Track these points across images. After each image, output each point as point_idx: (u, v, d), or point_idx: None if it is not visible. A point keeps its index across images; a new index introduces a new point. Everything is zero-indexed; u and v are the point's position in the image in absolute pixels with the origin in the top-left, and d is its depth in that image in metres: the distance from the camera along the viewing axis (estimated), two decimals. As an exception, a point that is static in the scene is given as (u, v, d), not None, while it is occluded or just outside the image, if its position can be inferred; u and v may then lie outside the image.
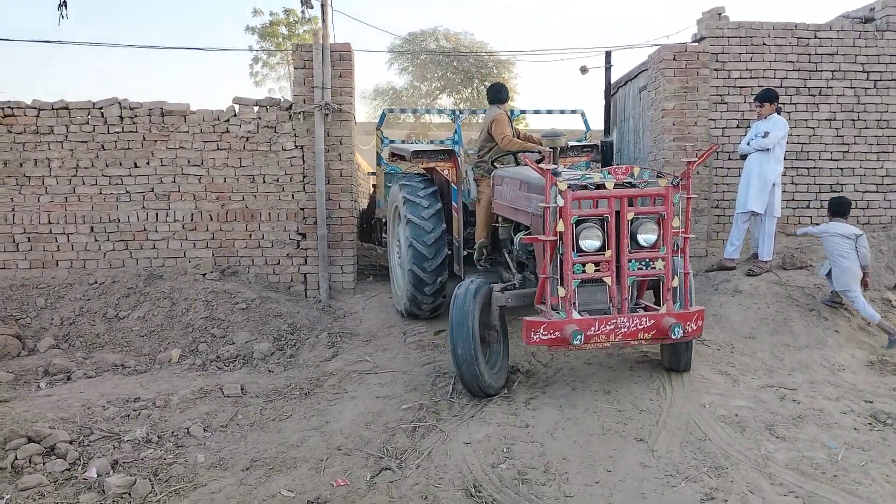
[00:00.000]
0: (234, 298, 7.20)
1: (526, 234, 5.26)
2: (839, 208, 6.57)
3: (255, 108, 7.88)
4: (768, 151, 6.96)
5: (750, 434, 4.43)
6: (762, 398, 4.95)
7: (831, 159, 8.33)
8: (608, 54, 7.23)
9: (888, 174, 8.35)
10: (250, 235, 7.96)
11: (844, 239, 6.28)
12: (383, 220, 11.15)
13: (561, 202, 4.49)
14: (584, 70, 8.85)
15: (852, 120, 8.28)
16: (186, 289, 7.32)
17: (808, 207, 8.36)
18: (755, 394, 5.04)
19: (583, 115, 10.22)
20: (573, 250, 4.55)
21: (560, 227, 4.51)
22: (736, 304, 6.64)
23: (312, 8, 7.98)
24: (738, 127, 8.29)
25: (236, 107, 7.87)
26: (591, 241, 4.59)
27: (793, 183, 8.25)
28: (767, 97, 7.10)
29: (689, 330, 4.70)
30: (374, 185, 11.34)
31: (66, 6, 7.75)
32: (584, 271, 4.58)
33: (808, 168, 8.28)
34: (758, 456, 4.16)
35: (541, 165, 4.67)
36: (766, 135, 6.96)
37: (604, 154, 6.25)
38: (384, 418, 4.87)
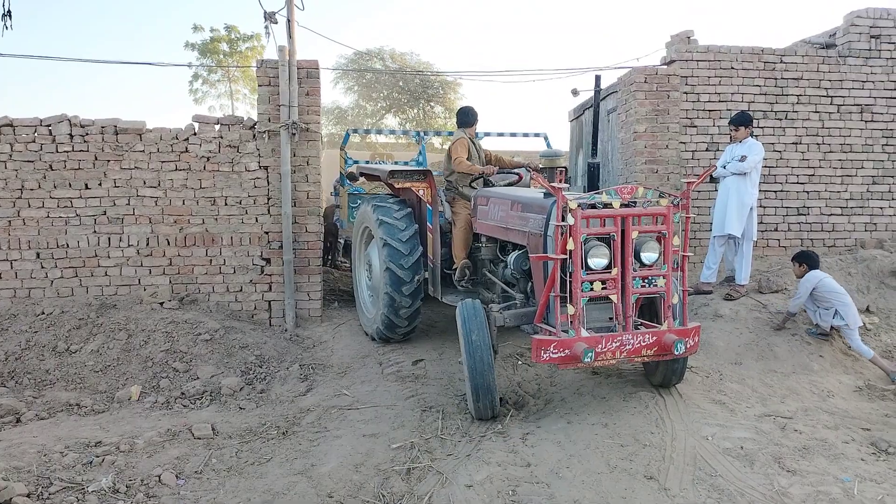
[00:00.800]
0: (196, 329, 6.75)
1: (531, 254, 5.17)
2: (814, 261, 6.48)
3: (217, 127, 7.48)
4: (745, 175, 6.95)
5: (760, 468, 4.28)
6: (763, 428, 4.82)
7: (798, 182, 8.42)
8: (597, 78, 7.18)
9: (852, 198, 8.48)
10: (210, 261, 7.52)
11: (835, 287, 6.29)
12: (341, 242, 10.88)
13: (571, 221, 4.49)
14: (575, 92, 8.89)
15: (817, 144, 8.40)
16: (143, 319, 6.83)
17: (775, 231, 8.41)
18: (755, 424, 4.92)
19: (546, 138, 10.21)
20: (582, 269, 4.57)
21: (570, 245, 4.51)
22: (718, 330, 6.57)
23: (276, 23, 7.63)
24: (707, 150, 8.31)
25: (196, 125, 7.45)
26: (599, 260, 4.65)
27: (761, 206, 8.26)
28: (742, 121, 7.10)
29: (689, 346, 4.79)
30: (333, 205, 11.06)
31: (10, 17, 7.21)
32: (591, 289, 4.62)
33: (775, 191, 8.34)
34: (773, 492, 4.00)
35: (552, 185, 4.60)
36: (742, 158, 6.95)
37: (591, 175, 6.16)
38: (374, 459, 4.55)
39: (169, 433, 5.03)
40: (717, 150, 8.22)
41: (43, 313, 6.90)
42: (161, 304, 7.17)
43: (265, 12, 7.56)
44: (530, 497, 3.99)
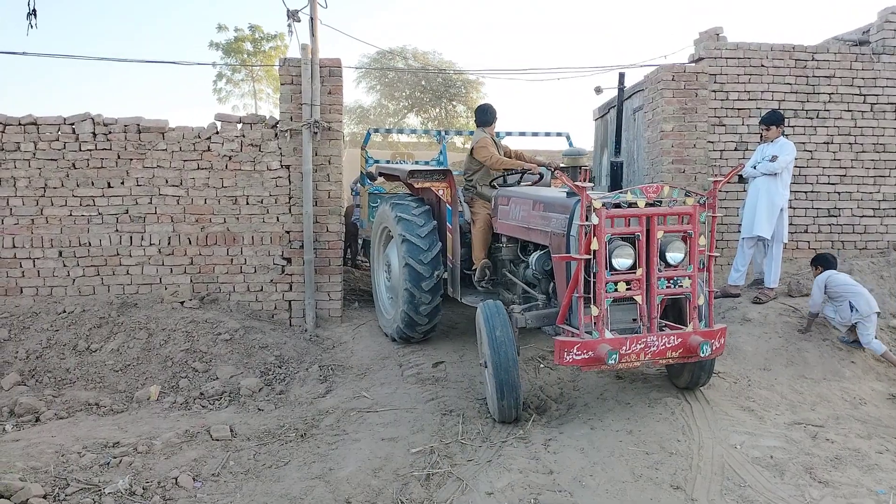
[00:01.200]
0: (216, 328, 6.72)
1: (554, 254, 5.08)
2: (830, 263, 6.46)
3: (239, 126, 7.45)
4: (776, 176, 6.77)
5: (790, 478, 4.14)
6: (793, 437, 4.67)
7: (829, 183, 8.20)
8: (621, 75, 7.06)
9: (885, 199, 8.25)
10: (231, 260, 7.49)
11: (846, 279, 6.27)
12: (360, 242, 10.81)
13: (595, 220, 4.42)
14: (598, 90, 8.79)
15: (849, 144, 8.17)
16: (164, 318, 6.81)
17: (805, 232, 8.20)
18: (785, 432, 4.77)
19: (567, 137, 10.08)
20: (606, 269, 4.49)
21: (594, 245, 4.43)
22: (746, 334, 6.40)
23: (299, 21, 7.58)
24: (735, 149, 8.12)
25: (218, 124, 7.42)
26: (623, 260, 4.55)
27: (791, 207, 8.06)
28: (774, 120, 6.92)
29: (715, 348, 4.70)
30: (353, 205, 11.01)
31: (35, 15, 7.23)
32: (616, 290, 4.54)
33: (805, 192, 8.13)
34: (804, 504, 3.86)
35: (577, 183, 4.52)
36: (773, 158, 6.77)
37: (614, 174, 6.11)
38: (393, 464, 4.47)
39: (187, 434, 4.99)
40: (747, 149, 8.03)
41: (64, 311, 6.92)
42: (182, 303, 7.15)
43: (288, 10, 7.52)
44: (552, 506, 3.88)
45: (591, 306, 4.49)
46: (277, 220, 7.50)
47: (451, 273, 6.72)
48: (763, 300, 6.83)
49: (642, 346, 4.52)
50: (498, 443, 4.73)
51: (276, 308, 7.54)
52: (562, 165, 5.73)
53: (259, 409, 5.59)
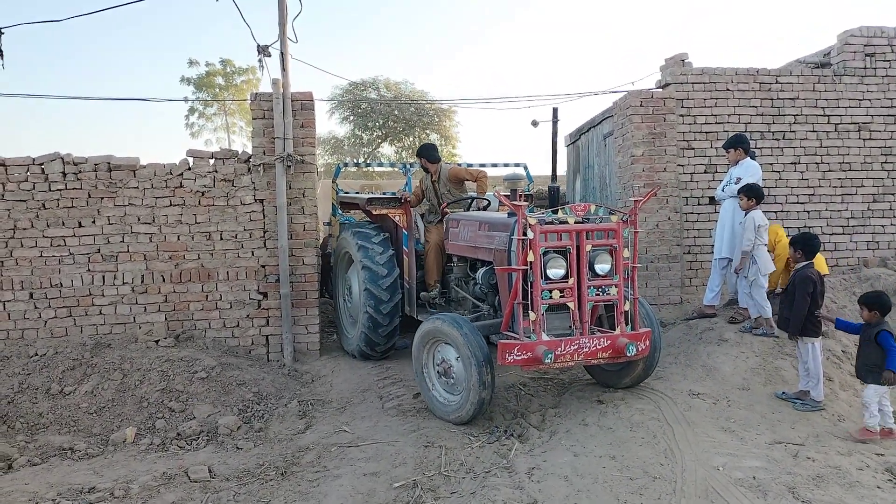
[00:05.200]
0: (192, 367, 6.61)
1: (498, 267, 5.65)
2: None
3: (212, 161, 7.42)
4: (743, 197, 6.86)
5: (773, 499, 4.13)
6: (775, 457, 4.68)
7: (798, 202, 8.36)
8: (555, 110, 7.44)
9: (853, 216, 8.41)
10: (206, 296, 7.41)
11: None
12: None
13: (531, 235, 4.99)
14: (534, 124, 9.36)
15: (816, 163, 8.35)
16: (138, 358, 6.69)
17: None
18: (766, 452, 4.78)
19: (525, 167, 10.58)
20: (541, 278, 5.04)
21: (530, 257, 5.00)
22: (723, 354, 6.44)
23: (270, 56, 7.59)
24: (705, 172, 8.26)
25: (190, 160, 7.39)
26: (557, 270, 5.15)
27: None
28: (734, 143, 7.06)
29: (640, 349, 5.34)
30: (328, 235, 11.10)
31: (1, 55, 7.16)
32: (550, 297, 5.09)
33: (775, 212, 8.26)
34: (788, 525, 3.87)
35: (514, 203, 5.14)
36: (738, 181, 6.88)
37: (551, 198, 6.63)
38: (376, 500, 4.41)
39: (164, 476, 4.88)
40: (716, 171, 8.17)
41: (36, 354, 6.77)
42: (157, 341, 7.04)
43: (259, 46, 7.54)
44: (538, 536, 3.85)
45: (530, 312, 5.02)
46: (252, 254, 7.45)
47: (407, 293, 7.24)
48: (738, 319, 6.89)
49: (576, 347, 5.07)
50: (481, 473, 4.69)
51: (253, 343, 7.46)
52: (504, 193, 6.11)
53: (238, 448, 5.50)
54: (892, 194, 8.42)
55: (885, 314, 5.24)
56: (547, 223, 5.16)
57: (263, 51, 7.55)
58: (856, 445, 5.00)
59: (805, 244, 5.76)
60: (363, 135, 30.12)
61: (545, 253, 5.09)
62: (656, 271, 8.11)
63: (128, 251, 7.28)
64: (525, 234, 5.02)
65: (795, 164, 8.31)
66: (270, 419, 6.05)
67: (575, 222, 5.23)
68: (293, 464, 5.06)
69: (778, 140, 8.27)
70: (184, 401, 6.20)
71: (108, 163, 7.25)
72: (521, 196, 5.98)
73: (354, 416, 5.96)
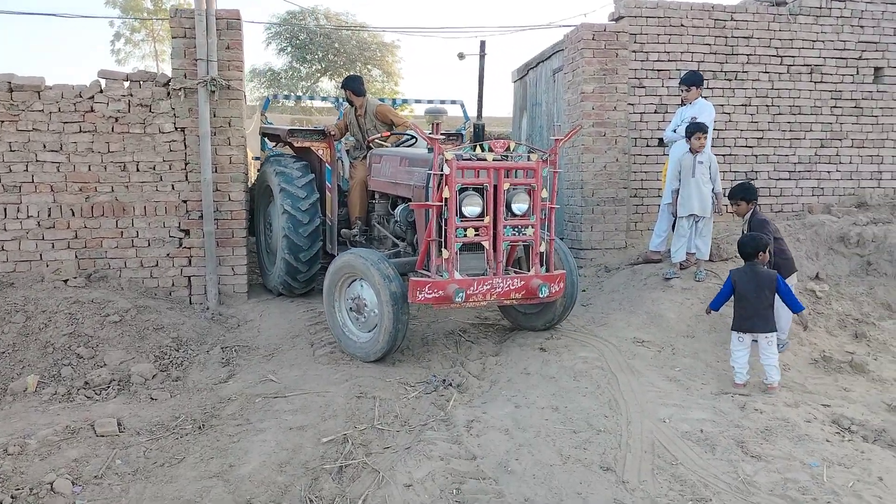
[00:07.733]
0: (104, 309, 6.05)
1: (413, 203, 5.51)
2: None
3: (126, 84, 6.71)
4: (697, 138, 6.58)
5: (722, 454, 3.95)
6: (722, 408, 4.51)
7: (746, 146, 8.15)
8: (482, 43, 7.04)
9: (800, 161, 8.28)
10: (122, 233, 6.80)
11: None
12: None
13: (447, 170, 4.86)
14: (461, 56, 8.98)
15: (766, 106, 8.14)
16: (44, 299, 6.09)
17: (724, 195, 8.12)
18: (713, 403, 4.60)
19: (462, 105, 10.43)
20: (456, 216, 4.92)
21: (446, 193, 4.88)
22: (668, 301, 6.26)
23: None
24: (655, 112, 7.96)
25: (102, 81, 6.67)
26: (472, 208, 5.01)
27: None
28: (693, 81, 6.77)
29: (554, 291, 5.27)
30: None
31: None
32: (465, 235, 5.00)
33: (724, 155, 8.04)
34: (738, 481, 3.68)
35: (430, 135, 5.07)
36: (693, 120, 6.59)
37: (476, 135, 6.30)
38: (302, 456, 4.06)
39: (67, 430, 4.41)
40: (666, 112, 7.87)
41: (-73, 294, 6.11)
42: (65, 281, 6.44)
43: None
44: (476, 496, 3.57)
45: (443, 250, 4.92)
46: (173, 188, 6.85)
47: (329, 230, 7.02)
48: (686, 265, 6.70)
49: (488, 287, 5.04)
50: (417, 426, 4.40)
51: (173, 285, 6.92)
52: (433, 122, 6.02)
53: (152, 399, 5.04)
54: (840, 139, 8.30)
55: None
56: (465, 159, 5.00)
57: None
58: (802, 396, 4.89)
59: (745, 192, 5.75)
60: (301, 68, 28.95)
61: (461, 190, 4.97)
62: (602, 214, 7.84)
63: (32, 181, 6.59)
64: (441, 169, 4.89)
65: (746, 105, 8.07)
66: (190, 367, 5.59)
67: (494, 160, 5.08)
68: (212, 416, 4.66)
69: (730, 80, 8.00)
70: (94, 346, 5.67)
71: (9, 82, 6.47)
72: (436, 129, 5.86)
73: (282, 364, 5.56)
